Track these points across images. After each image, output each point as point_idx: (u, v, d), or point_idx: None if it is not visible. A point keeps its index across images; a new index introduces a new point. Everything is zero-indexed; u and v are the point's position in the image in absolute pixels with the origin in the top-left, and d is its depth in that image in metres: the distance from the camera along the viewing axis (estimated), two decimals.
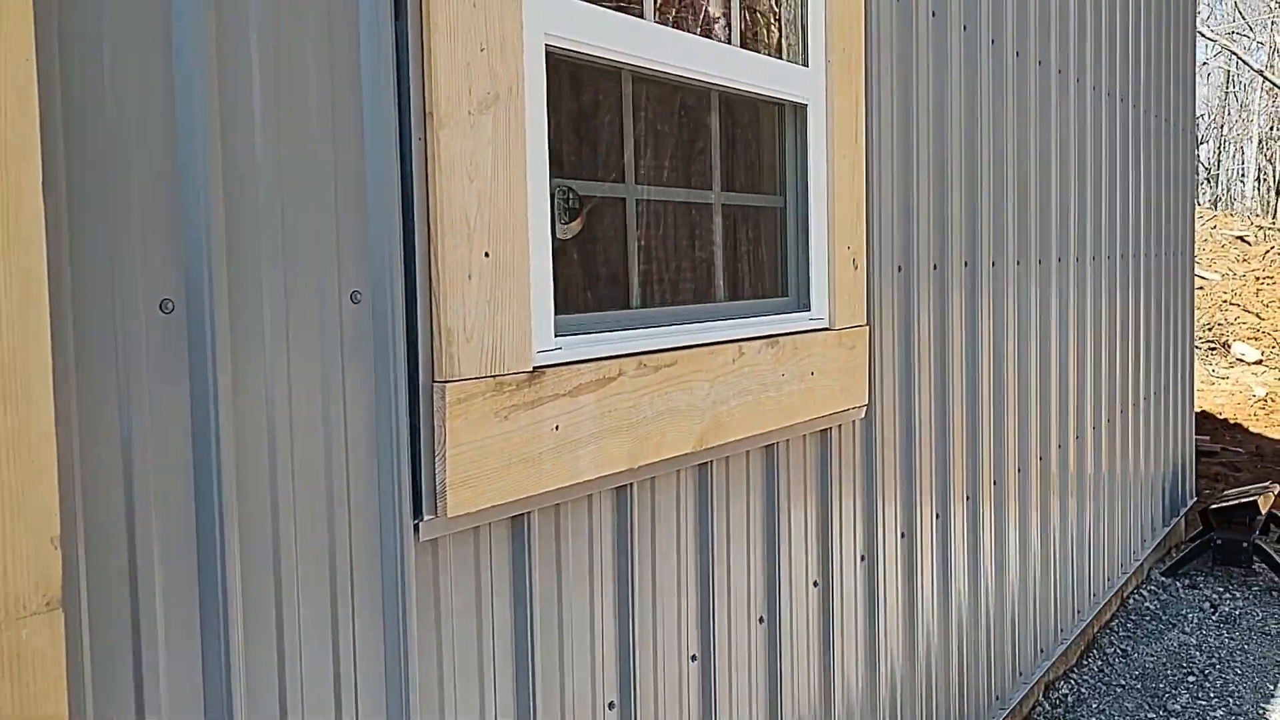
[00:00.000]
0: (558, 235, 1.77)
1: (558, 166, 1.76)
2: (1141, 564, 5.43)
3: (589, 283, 1.87)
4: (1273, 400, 10.21)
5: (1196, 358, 11.59)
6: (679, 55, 1.99)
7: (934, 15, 3.02)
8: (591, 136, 1.89)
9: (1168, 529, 5.89)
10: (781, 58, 2.38)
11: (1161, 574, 5.67)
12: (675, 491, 2.02)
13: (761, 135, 2.41)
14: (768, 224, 2.42)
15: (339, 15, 1.36)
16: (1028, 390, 3.80)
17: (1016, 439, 3.72)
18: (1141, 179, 5.34)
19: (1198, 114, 6.25)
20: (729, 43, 2.19)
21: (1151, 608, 5.24)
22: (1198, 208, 20.14)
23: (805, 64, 2.39)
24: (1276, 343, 11.40)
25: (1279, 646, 4.76)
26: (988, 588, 3.48)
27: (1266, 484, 6.20)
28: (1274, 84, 20.62)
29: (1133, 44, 5.02)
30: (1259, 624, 5.02)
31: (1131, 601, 5.30)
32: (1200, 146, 32.67)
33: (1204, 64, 32.97)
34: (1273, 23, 27.64)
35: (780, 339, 2.25)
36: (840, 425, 2.59)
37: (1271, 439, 9.41)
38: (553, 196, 1.74)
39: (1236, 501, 5.68)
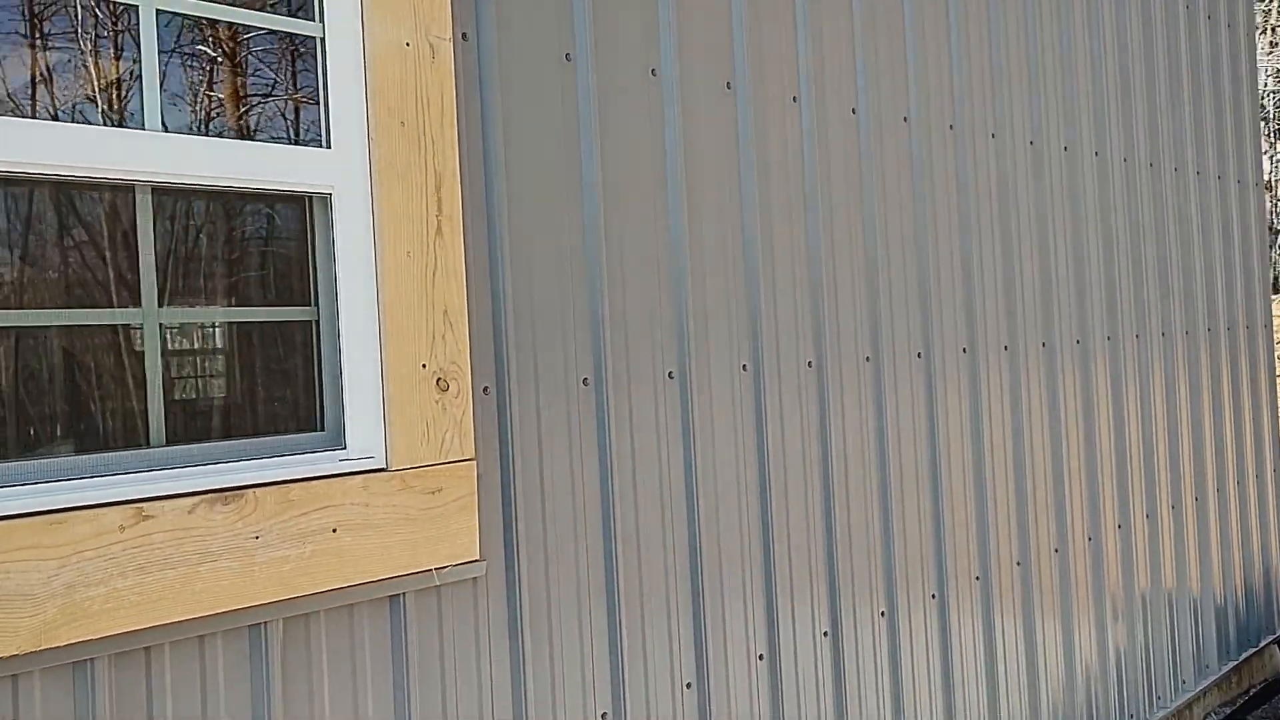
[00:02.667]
0: None
1: None
2: (1177, 715, 4.40)
3: None
4: None
5: None
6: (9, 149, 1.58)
7: (654, 74, 2.49)
8: None
9: (1232, 664, 4.78)
10: (291, 139, 1.93)
11: None
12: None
13: (271, 234, 1.95)
14: (286, 345, 1.95)
15: None
16: (936, 498, 3.08)
17: (866, 570, 3.00)
18: (1177, 245, 4.46)
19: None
20: (163, 127, 1.76)
21: None
22: None
23: (327, 145, 1.93)
24: None
25: None
26: None
27: None
28: None
29: (1149, 101, 4.20)
30: None
31: None
32: None
33: None
34: None
35: (250, 492, 1.76)
36: (440, 589, 2.05)
37: None
38: None
39: None
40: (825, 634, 2.85)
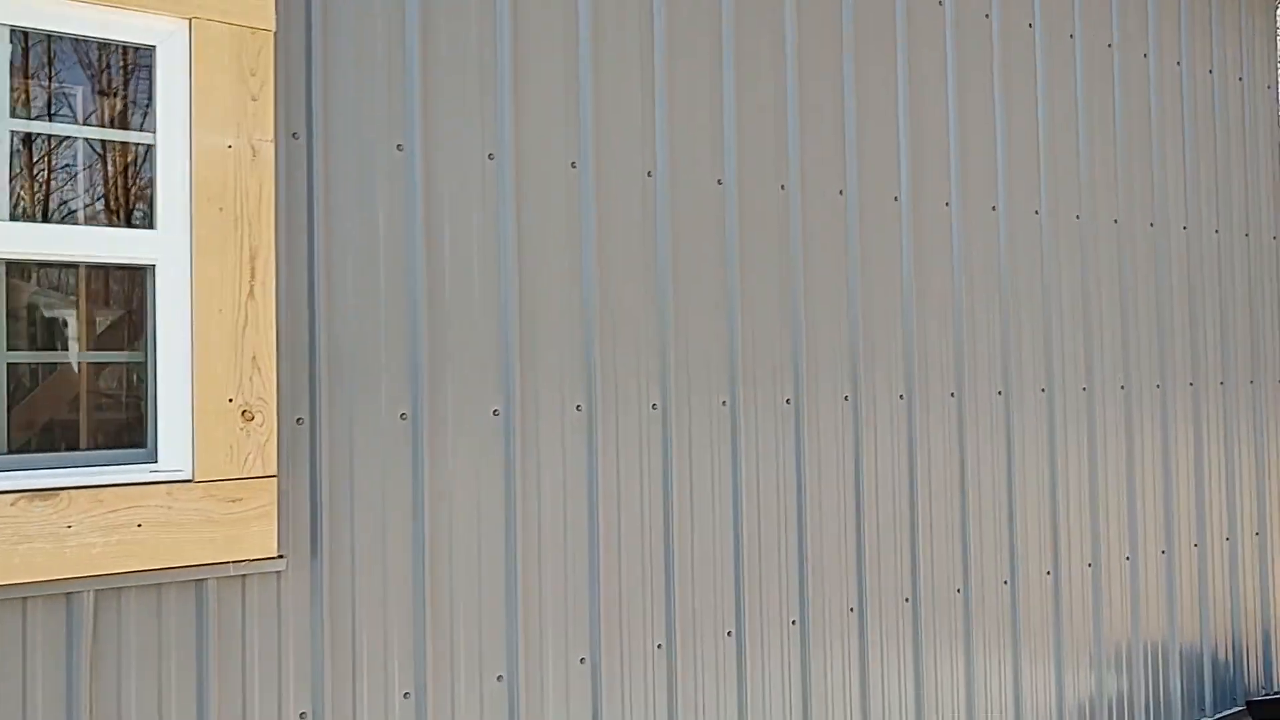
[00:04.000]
0: None
1: None
2: None
3: None
4: None
5: None
6: None
7: (491, 158, 2.96)
8: None
9: None
10: (124, 223, 2.51)
11: None
12: None
13: (120, 293, 2.53)
14: (122, 380, 2.52)
15: None
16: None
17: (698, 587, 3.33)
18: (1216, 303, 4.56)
19: None
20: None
21: None
22: None
23: (152, 227, 2.50)
24: None
25: None
26: None
27: None
28: None
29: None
30: None
31: None
32: None
33: None
34: None
35: (66, 492, 2.33)
36: (245, 580, 2.57)
37: None
38: None
39: None
40: (658, 646, 3.20)
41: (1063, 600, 4.23)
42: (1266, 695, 4.55)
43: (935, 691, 3.85)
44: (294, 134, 2.69)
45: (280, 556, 2.59)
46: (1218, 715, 4.79)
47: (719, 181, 3.40)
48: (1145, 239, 4.61)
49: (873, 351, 3.71)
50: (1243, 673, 4.95)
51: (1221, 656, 4.84)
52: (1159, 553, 4.57)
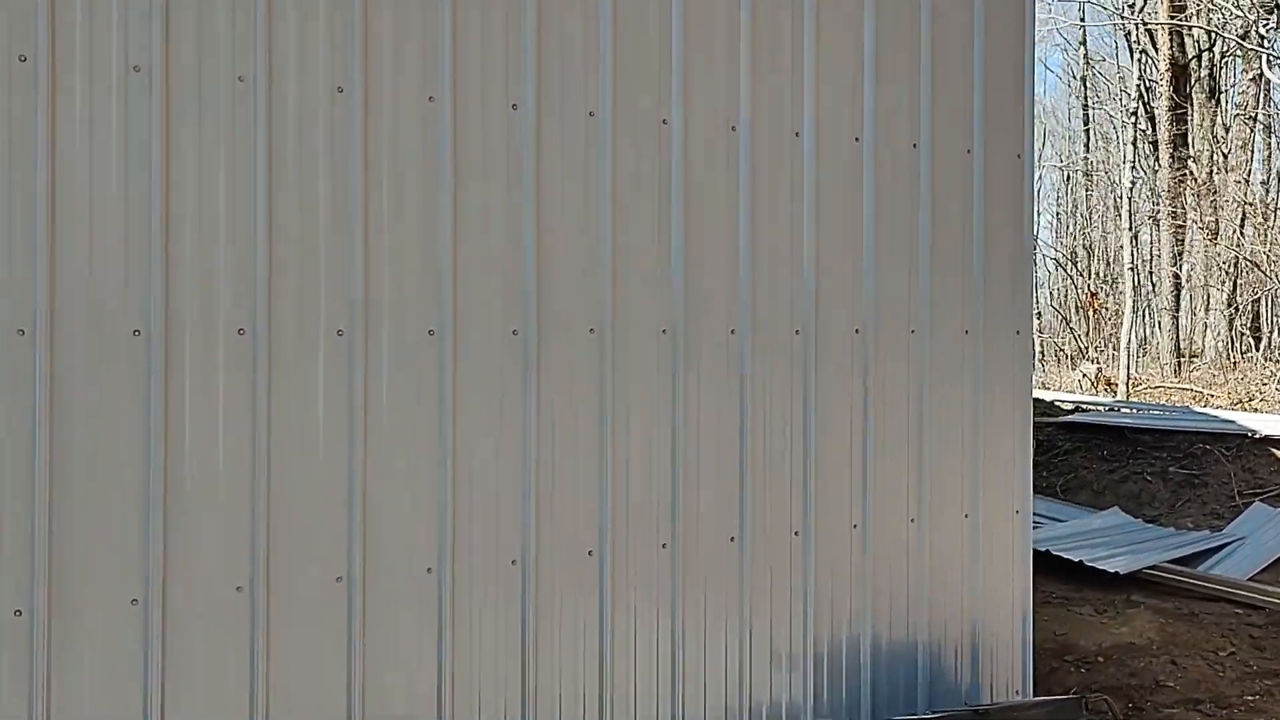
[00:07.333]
0: None
1: None
2: None
3: None
4: None
5: None
6: None
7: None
8: None
9: None
10: None
11: None
12: None
13: None
14: None
15: None
16: None
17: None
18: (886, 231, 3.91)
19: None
20: None
21: None
22: None
23: None
24: None
25: None
26: None
27: (1078, 695, 4.26)
28: None
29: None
30: None
31: None
32: None
33: None
34: None
35: None
36: None
37: None
38: None
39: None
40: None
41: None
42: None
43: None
44: None
45: None
46: None
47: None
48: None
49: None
50: (942, 678, 4.08)
51: (909, 661, 4.04)
52: (792, 534, 3.81)
